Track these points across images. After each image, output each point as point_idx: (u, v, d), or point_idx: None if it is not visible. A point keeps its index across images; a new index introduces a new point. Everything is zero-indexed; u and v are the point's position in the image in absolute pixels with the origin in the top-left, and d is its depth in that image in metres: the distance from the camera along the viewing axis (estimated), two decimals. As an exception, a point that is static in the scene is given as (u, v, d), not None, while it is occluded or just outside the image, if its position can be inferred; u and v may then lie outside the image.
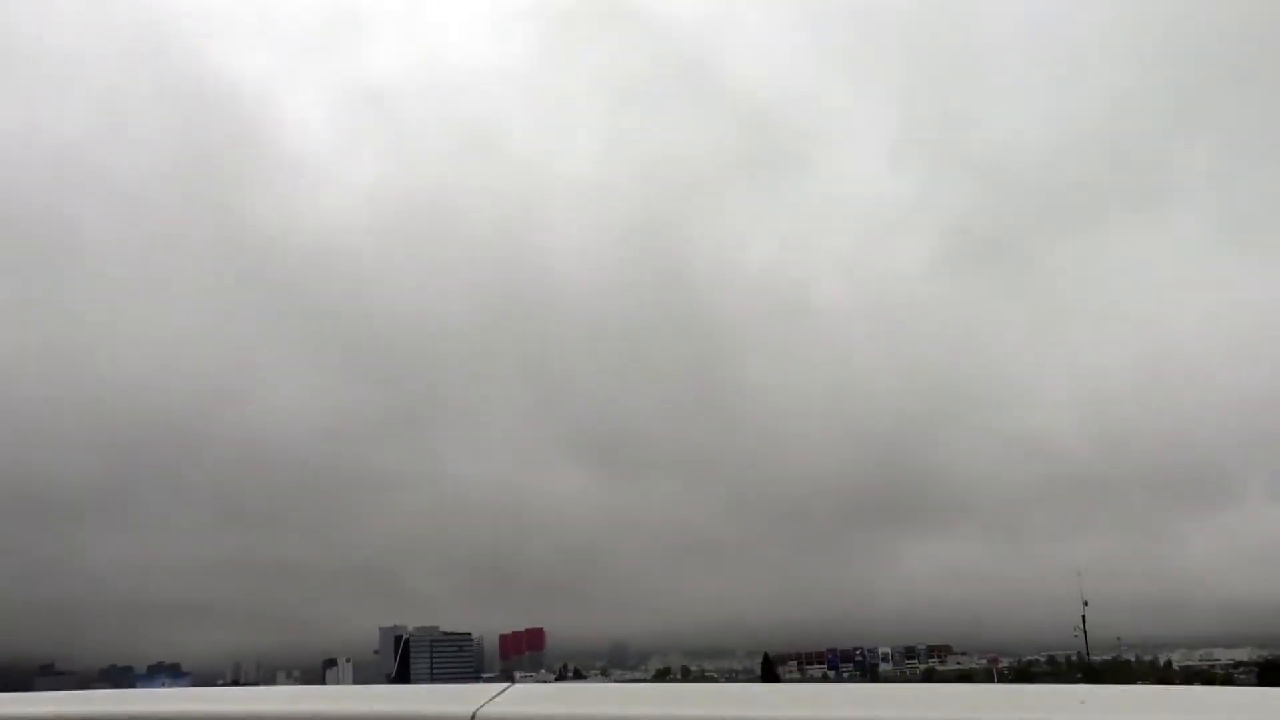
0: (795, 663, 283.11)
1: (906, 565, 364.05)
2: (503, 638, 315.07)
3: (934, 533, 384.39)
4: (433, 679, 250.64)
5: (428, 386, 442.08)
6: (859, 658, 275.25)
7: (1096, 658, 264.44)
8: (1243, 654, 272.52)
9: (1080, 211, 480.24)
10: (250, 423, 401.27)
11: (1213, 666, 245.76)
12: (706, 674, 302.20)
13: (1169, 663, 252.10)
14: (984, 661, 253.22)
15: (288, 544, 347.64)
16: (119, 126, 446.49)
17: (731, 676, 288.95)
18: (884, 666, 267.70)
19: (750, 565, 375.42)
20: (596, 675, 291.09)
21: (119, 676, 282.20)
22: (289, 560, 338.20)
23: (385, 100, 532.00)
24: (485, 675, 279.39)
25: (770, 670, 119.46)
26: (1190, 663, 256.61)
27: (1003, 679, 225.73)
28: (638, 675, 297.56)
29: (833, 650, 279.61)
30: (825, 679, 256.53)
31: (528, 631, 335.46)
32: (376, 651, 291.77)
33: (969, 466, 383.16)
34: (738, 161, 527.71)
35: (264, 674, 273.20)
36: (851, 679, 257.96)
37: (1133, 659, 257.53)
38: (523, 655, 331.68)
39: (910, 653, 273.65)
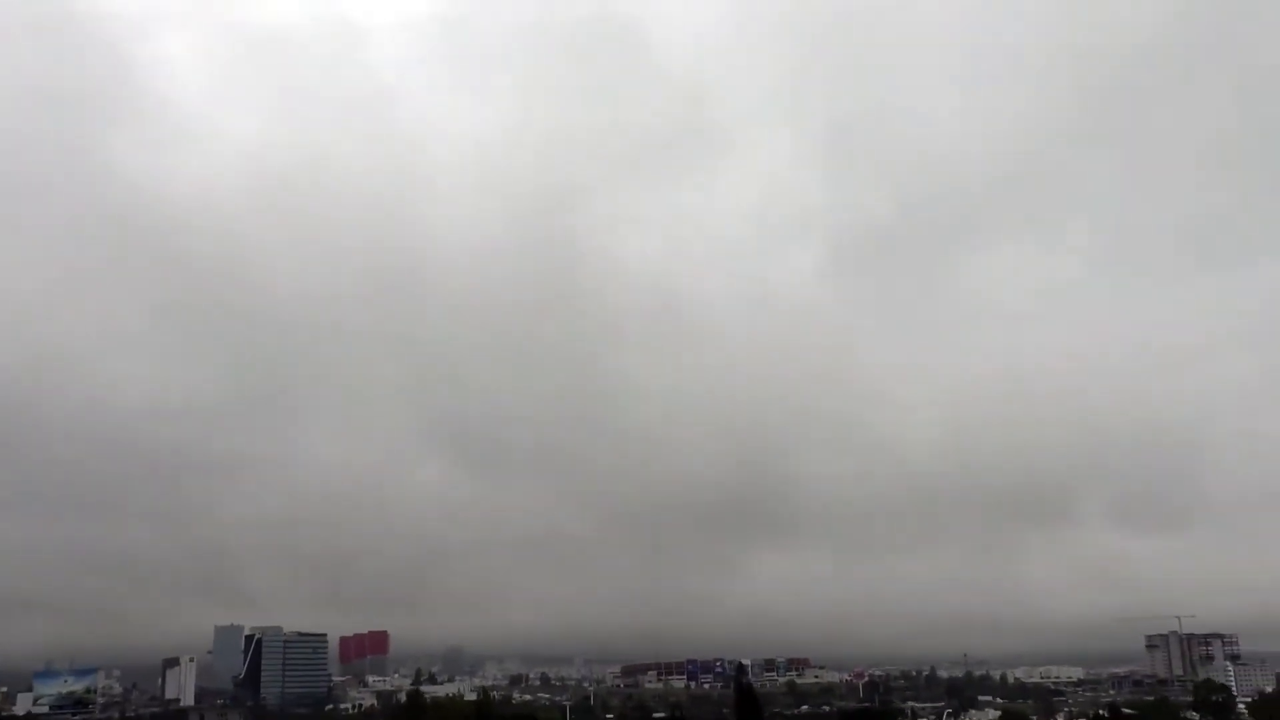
0: (655, 673, 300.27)
1: (764, 575, 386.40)
2: (343, 640, 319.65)
3: (792, 542, 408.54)
4: (284, 682, 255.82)
5: (290, 364, 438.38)
6: (719, 669, 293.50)
7: (944, 673, 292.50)
8: (1078, 672, 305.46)
9: (975, 223, 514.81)
10: (90, 394, 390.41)
11: (1056, 684, 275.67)
12: (551, 681, 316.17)
13: (1018, 680, 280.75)
14: (846, 676, 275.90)
15: (119, 531, 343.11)
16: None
17: (572, 685, 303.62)
18: (744, 679, 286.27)
19: (607, 570, 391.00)
20: (444, 679, 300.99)
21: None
22: (118, 549, 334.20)
23: (273, 49, 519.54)
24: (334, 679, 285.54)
25: (742, 681, 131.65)
26: (1033, 680, 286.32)
27: (867, 693, 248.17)
28: (474, 683, 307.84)
29: (693, 661, 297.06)
30: (687, 690, 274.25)
31: (370, 634, 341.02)
32: (210, 652, 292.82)
33: (829, 476, 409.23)
34: (642, 147, 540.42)
35: (80, 671, 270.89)
36: (710, 691, 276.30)
37: (981, 675, 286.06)
38: (364, 659, 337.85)
39: (770, 665, 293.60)
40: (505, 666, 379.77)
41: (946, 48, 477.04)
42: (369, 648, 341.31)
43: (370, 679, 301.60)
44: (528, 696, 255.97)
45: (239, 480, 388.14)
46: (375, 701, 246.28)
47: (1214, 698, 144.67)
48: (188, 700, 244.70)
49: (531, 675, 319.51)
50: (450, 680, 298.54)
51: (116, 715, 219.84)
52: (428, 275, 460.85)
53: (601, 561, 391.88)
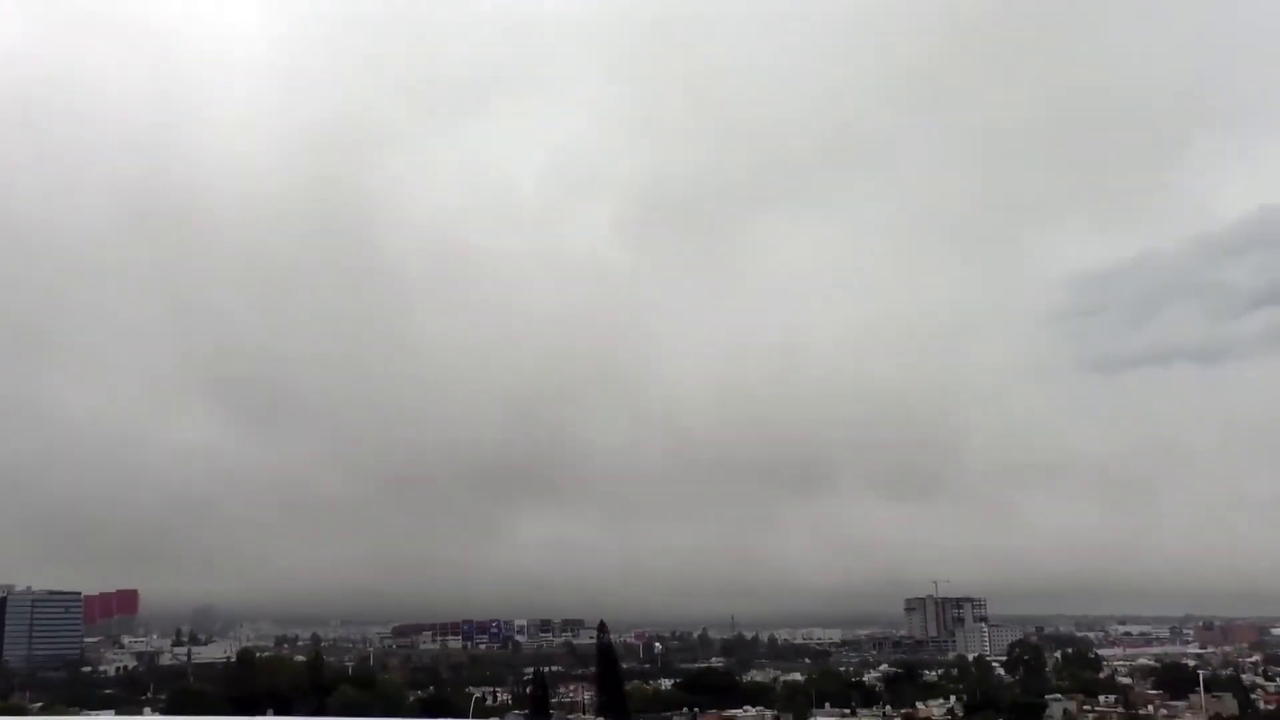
0: (430, 633, 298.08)
1: (537, 538, 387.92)
2: (89, 599, 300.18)
3: (566, 506, 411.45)
4: (31, 643, 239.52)
5: (40, 298, 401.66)
6: (494, 630, 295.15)
7: (716, 636, 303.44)
8: (836, 634, 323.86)
9: (777, 191, 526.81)
10: None
11: (819, 645, 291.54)
12: (322, 641, 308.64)
13: (786, 641, 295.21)
14: (628, 637, 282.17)
15: None
16: None
17: (349, 646, 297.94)
18: (520, 639, 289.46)
19: (374, 530, 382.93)
20: (204, 639, 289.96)
21: None
22: None
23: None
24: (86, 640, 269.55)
25: (603, 639, 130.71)
26: (796, 641, 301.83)
27: (649, 654, 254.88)
28: (238, 643, 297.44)
29: (468, 621, 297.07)
30: (464, 650, 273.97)
31: (119, 593, 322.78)
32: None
33: (606, 441, 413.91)
34: (444, 88, 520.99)
35: None
36: (488, 651, 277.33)
37: (749, 637, 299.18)
38: (111, 619, 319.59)
39: (545, 626, 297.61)
40: (259, 626, 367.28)
41: (767, 11, 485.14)
42: (117, 607, 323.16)
43: (125, 639, 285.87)
44: (300, 657, 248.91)
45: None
46: (136, 663, 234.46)
47: (1025, 657, 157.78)
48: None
49: (301, 635, 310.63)
50: (210, 640, 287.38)
51: None
52: (200, 214, 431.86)
53: (369, 521, 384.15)
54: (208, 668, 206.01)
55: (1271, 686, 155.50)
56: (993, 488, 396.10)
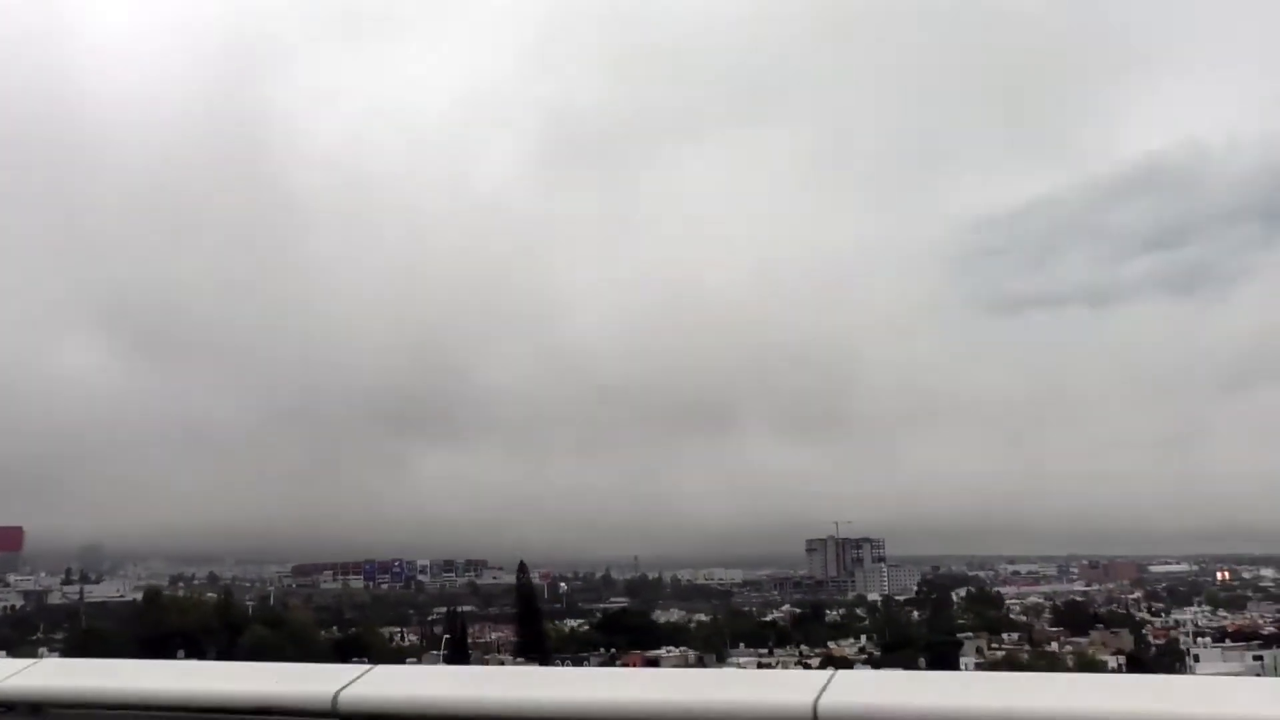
0: (330, 573, 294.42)
1: (437, 476, 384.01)
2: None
3: (466, 444, 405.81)
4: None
5: None
6: (397, 569, 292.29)
7: (619, 576, 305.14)
8: (738, 574, 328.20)
9: (684, 125, 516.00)
10: None
11: (721, 585, 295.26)
12: (219, 580, 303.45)
13: (689, 582, 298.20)
14: (535, 577, 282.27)
15: None
16: None
17: (248, 585, 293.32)
18: (423, 579, 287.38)
19: (269, 466, 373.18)
20: (94, 578, 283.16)
21: None
22: None
23: None
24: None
25: (522, 579, 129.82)
26: (699, 581, 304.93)
27: (553, 594, 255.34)
28: (133, 581, 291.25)
29: (370, 561, 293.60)
30: (367, 590, 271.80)
31: (2, 530, 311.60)
32: None
33: (508, 379, 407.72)
34: (340, 13, 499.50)
35: None
36: (390, 591, 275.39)
37: (652, 577, 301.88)
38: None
39: (449, 565, 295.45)
40: (150, 565, 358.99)
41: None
42: (0, 544, 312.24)
43: (11, 578, 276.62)
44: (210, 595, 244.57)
45: None
46: (23, 602, 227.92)
47: (933, 596, 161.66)
48: None
49: (197, 574, 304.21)
50: (100, 579, 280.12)
51: None
52: (85, 131, 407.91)
53: (266, 457, 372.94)
54: (100, 607, 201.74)
55: (1158, 622, 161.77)
56: (891, 429, 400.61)
